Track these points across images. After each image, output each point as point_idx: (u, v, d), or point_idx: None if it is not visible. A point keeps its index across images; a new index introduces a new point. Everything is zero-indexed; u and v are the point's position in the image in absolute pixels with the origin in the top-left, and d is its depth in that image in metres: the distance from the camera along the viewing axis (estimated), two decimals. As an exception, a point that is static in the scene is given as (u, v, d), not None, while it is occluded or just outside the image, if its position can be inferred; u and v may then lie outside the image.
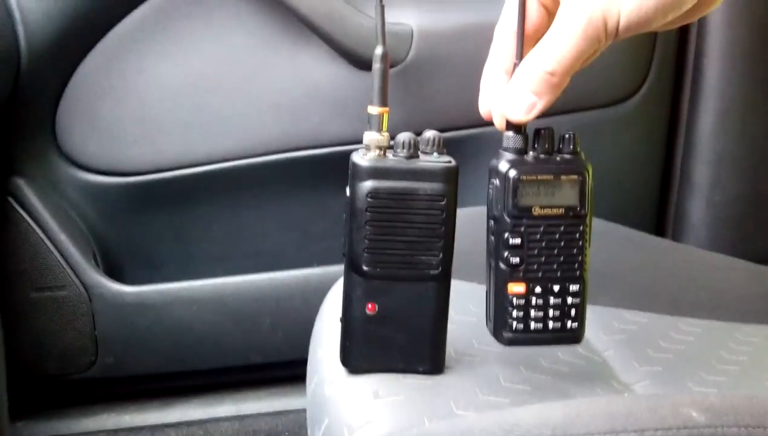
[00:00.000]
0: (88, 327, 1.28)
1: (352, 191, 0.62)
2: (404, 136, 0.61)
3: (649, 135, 1.33)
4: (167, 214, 1.32)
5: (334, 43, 1.21)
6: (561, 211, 0.62)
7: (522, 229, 0.61)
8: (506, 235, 0.61)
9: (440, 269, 0.63)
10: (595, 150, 1.29)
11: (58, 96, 1.25)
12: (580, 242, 0.64)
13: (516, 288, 0.62)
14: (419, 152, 0.62)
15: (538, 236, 0.61)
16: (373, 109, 0.63)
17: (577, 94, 1.27)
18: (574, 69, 0.56)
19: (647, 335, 0.82)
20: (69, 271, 1.26)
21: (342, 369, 0.68)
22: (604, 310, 0.86)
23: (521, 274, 0.62)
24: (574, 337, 0.64)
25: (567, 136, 0.62)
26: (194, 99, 1.26)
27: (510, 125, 0.61)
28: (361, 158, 0.62)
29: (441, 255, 0.63)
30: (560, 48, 0.55)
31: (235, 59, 1.26)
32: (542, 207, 0.61)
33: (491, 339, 0.65)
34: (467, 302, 0.78)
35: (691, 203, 1.32)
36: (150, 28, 1.24)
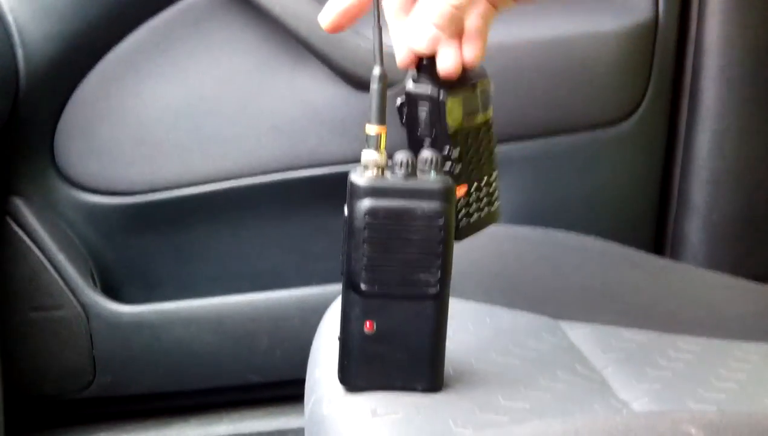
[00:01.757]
0: (86, 347, 1.28)
1: (350, 210, 0.62)
2: (402, 156, 0.62)
3: (646, 155, 1.33)
4: (165, 234, 1.32)
5: (332, 64, 1.22)
6: (480, 117, 0.69)
7: (457, 141, 0.66)
8: (447, 150, 0.66)
9: (438, 287, 0.63)
10: (592, 170, 1.31)
11: (57, 117, 1.25)
12: (492, 137, 0.71)
13: (460, 191, 0.66)
14: (417, 172, 0.62)
15: (469, 143, 0.68)
16: (371, 129, 0.64)
17: (574, 115, 1.28)
18: (470, 7, 0.63)
19: (646, 353, 0.82)
20: (67, 291, 1.26)
21: (340, 388, 0.68)
22: (603, 328, 0.86)
23: (462, 178, 0.67)
24: (499, 213, 0.73)
25: None
26: (192, 120, 1.26)
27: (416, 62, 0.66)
28: (359, 177, 0.62)
29: (439, 274, 0.63)
30: None
31: (234, 80, 1.26)
32: (468, 117, 0.67)
33: (490, 358, 0.65)
34: (466, 321, 0.78)
35: (688, 223, 1.32)
36: (148, 50, 1.24)
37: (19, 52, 1.18)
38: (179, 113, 1.26)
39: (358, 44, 1.20)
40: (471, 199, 0.69)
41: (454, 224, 0.63)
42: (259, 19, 1.23)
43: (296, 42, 1.21)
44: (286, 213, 1.31)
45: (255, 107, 1.26)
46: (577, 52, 1.25)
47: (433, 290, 0.63)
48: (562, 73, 1.25)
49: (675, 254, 1.34)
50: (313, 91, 1.25)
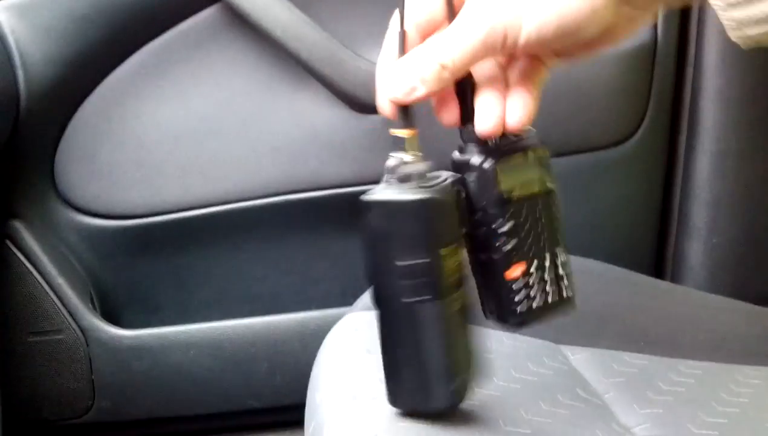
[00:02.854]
0: (85, 371, 1.27)
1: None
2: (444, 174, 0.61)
3: (646, 177, 1.33)
4: (165, 257, 1.32)
5: (332, 86, 1.22)
6: (536, 187, 0.63)
7: (510, 213, 0.61)
8: (497, 223, 0.61)
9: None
10: (592, 192, 1.30)
11: (57, 139, 1.25)
12: (557, 214, 0.65)
13: (514, 273, 0.62)
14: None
15: (524, 217, 0.62)
16: (397, 132, 0.61)
17: (574, 137, 1.28)
18: (465, 70, 0.58)
19: (647, 378, 0.81)
20: (66, 314, 1.26)
21: (339, 413, 0.68)
22: (604, 352, 0.86)
23: (517, 256, 0.62)
24: (573, 303, 0.66)
25: None
26: (193, 142, 1.26)
27: (466, 118, 0.61)
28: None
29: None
30: (459, 47, 0.57)
31: (234, 103, 1.26)
32: (521, 187, 0.62)
33: (491, 383, 0.65)
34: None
35: (689, 245, 1.32)
36: (149, 72, 1.25)
37: (20, 74, 1.18)
38: (180, 135, 1.26)
39: (358, 66, 1.20)
40: (532, 281, 0.63)
41: (443, 235, 0.60)
42: (260, 42, 1.23)
43: (297, 64, 1.21)
44: (285, 236, 1.31)
45: (255, 129, 1.26)
46: (577, 74, 1.25)
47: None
48: (562, 95, 1.25)
49: (676, 277, 1.34)
50: (314, 114, 1.26)
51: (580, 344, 0.87)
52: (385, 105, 0.61)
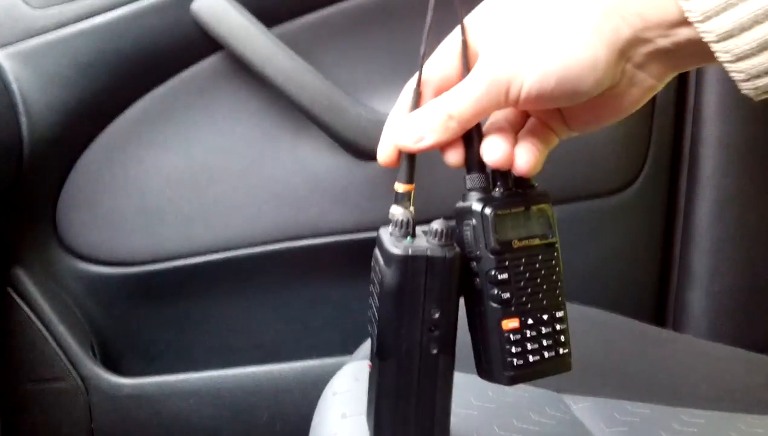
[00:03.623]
0: (85, 419, 1.26)
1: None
2: (436, 225, 0.61)
3: (647, 224, 1.33)
4: (166, 304, 1.31)
5: (333, 133, 1.22)
6: (536, 241, 0.62)
7: (506, 263, 0.61)
8: (493, 272, 0.60)
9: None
10: (593, 239, 1.31)
11: (59, 186, 1.25)
12: (557, 269, 0.64)
13: (511, 324, 0.61)
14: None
15: (521, 268, 0.61)
16: (399, 187, 0.63)
17: (575, 184, 1.28)
18: (471, 121, 0.59)
19: (650, 427, 0.81)
20: (66, 362, 1.25)
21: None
22: (606, 401, 0.85)
23: (513, 308, 0.61)
24: (568, 363, 0.64)
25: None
26: (195, 189, 1.26)
27: (471, 167, 0.62)
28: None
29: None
30: (464, 97, 0.58)
31: (236, 150, 1.27)
32: (520, 239, 0.61)
33: (493, 432, 0.64)
34: (468, 395, 0.78)
35: (690, 293, 1.31)
36: (151, 119, 1.25)
37: (23, 121, 1.18)
38: (181, 183, 1.26)
39: (359, 114, 1.21)
40: (529, 334, 0.62)
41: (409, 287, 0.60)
42: (262, 89, 1.24)
43: (298, 111, 1.22)
44: (286, 283, 1.31)
45: (257, 176, 1.27)
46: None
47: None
48: (562, 144, 1.25)
49: (677, 324, 1.33)
50: (315, 161, 1.26)
51: (582, 393, 0.87)
52: (389, 154, 0.63)
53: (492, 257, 0.60)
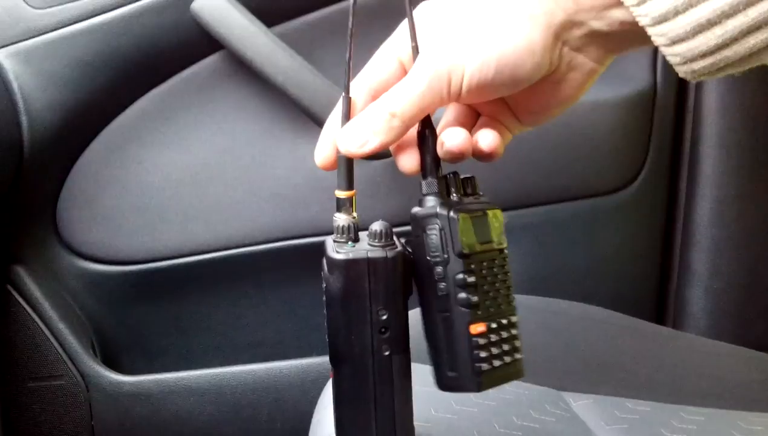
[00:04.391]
0: (85, 417, 1.27)
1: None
2: (376, 226, 0.61)
3: (647, 223, 1.33)
4: (166, 303, 1.32)
5: (334, 132, 1.22)
6: (494, 245, 0.62)
7: (473, 267, 0.60)
8: (461, 275, 0.59)
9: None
10: (593, 238, 1.31)
11: (60, 185, 1.25)
12: (509, 274, 0.63)
13: (479, 328, 0.59)
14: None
15: (484, 272, 0.61)
16: (340, 193, 0.63)
17: (575, 183, 1.28)
18: (415, 118, 0.58)
19: (650, 424, 0.81)
20: (67, 360, 1.25)
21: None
22: (606, 399, 0.86)
23: (480, 312, 0.60)
24: (521, 369, 0.63)
25: (470, 177, 0.63)
26: (195, 188, 1.27)
27: (427, 171, 0.61)
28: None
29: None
30: (405, 94, 0.58)
31: (236, 149, 1.27)
32: (481, 243, 0.61)
33: (493, 430, 0.64)
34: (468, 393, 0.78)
35: (690, 291, 1.32)
36: (151, 118, 1.25)
37: (24, 120, 1.19)
38: (181, 181, 1.26)
39: (359, 113, 1.21)
40: (494, 339, 0.61)
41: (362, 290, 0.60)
42: (262, 88, 1.24)
43: (298, 110, 1.22)
44: (287, 282, 1.31)
45: (257, 175, 1.27)
46: (577, 121, 1.26)
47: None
48: (562, 142, 1.26)
49: (677, 323, 1.34)
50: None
51: (583, 391, 0.87)
52: (326, 158, 0.63)
53: (461, 260, 0.59)
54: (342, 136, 0.60)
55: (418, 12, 0.61)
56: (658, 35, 0.52)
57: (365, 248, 0.59)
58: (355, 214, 0.62)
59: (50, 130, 1.20)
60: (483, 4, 0.57)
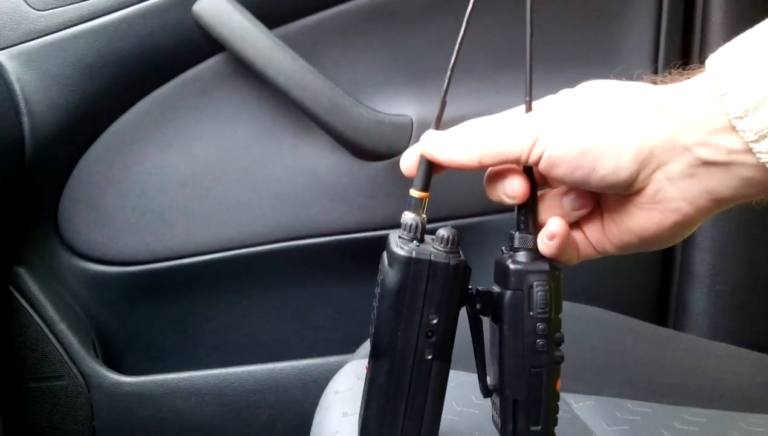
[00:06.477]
0: (87, 418, 1.27)
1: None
2: (443, 231, 0.61)
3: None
4: (167, 303, 1.32)
5: (335, 133, 1.22)
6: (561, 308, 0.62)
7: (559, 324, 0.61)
8: (559, 334, 0.61)
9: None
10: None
11: (61, 185, 1.26)
12: None
13: (559, 386, 0.62)
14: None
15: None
16: (414, 193, 0.63)
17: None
18: (490, 162, 0.60)
19: (651, 426, 0.81)
20: (68, 361, 1.25)
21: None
22: (608, 400, 0.85)
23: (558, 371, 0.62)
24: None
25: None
26: (196, 189, 1.27)
27: (528, 228, 0.61)
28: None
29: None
30: (493, 138, 0.59)
31: (238, 150, 1.27)
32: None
33: (493, 431, 0.64)
34: (469, 393, 0.78)
35: (691, 293, 1.31)
36: (153, 119, 1.25)
37: (25, 121, 1.19)
38: (183, 182, 1.27)
39: (360, 114, 1.21)
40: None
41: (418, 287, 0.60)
42: (264, 90, 1.24)
43: (300, 112, 1.22)
44: (288, 283, 1.31)
45: (258, 176, 1.27)
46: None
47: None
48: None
49: (678, 324, 1.33)
50: (316, 160, 1.26)
51: (584, 392, 0.87)
52: (412, 161, 0.63)
53: (560, 318, 0.60)
54: (428, 136, 0.61)
55: (549, 98, 0.61)
56: None
57: (430, 250, 0.60)
58: (424, 216, 0.62)
59: (52, 132, 1.20)
60: (610, 97, 0.58)
